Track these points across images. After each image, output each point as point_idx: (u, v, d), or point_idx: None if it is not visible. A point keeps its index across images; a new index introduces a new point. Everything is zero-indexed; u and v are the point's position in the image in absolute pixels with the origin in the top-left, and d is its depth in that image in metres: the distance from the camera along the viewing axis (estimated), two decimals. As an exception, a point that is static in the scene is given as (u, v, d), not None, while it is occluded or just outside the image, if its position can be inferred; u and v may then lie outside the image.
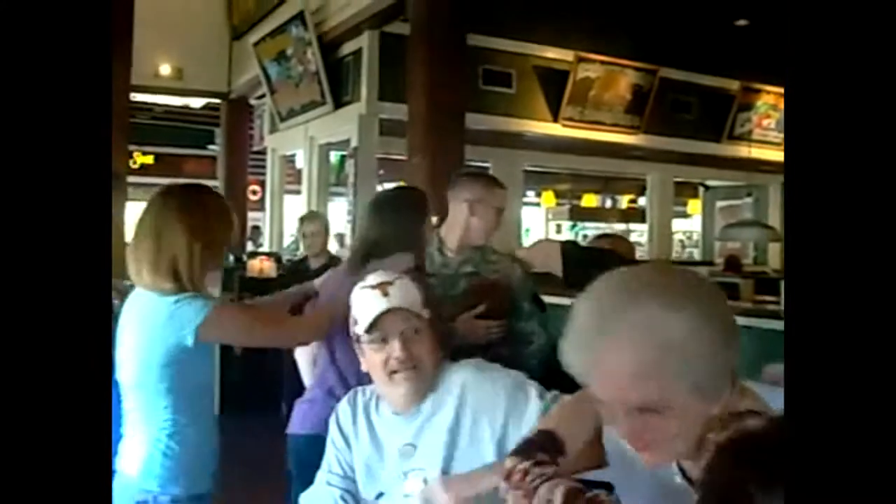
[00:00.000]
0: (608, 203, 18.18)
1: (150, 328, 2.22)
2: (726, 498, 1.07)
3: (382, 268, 2.16)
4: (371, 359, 1.96)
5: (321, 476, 2.08)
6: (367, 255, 2.71)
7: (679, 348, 1.13)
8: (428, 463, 1.94)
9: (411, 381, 1.94)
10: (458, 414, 1.95)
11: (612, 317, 1.16)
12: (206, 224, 2.30)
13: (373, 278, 2.01)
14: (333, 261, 5.50)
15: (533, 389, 1.94)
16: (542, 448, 1.45)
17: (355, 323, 1.98)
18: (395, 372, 1.93)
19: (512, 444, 1.77)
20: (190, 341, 2.18)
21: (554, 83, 8.25)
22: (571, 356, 1.21)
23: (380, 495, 1.98)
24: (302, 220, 6.04)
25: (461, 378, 1.99)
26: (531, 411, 1.88)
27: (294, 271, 5.74)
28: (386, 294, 1.95)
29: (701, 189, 12.73)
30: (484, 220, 3.05)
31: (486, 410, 1.93)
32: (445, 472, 1.91)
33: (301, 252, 5.49)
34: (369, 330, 1.92)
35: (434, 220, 2.95)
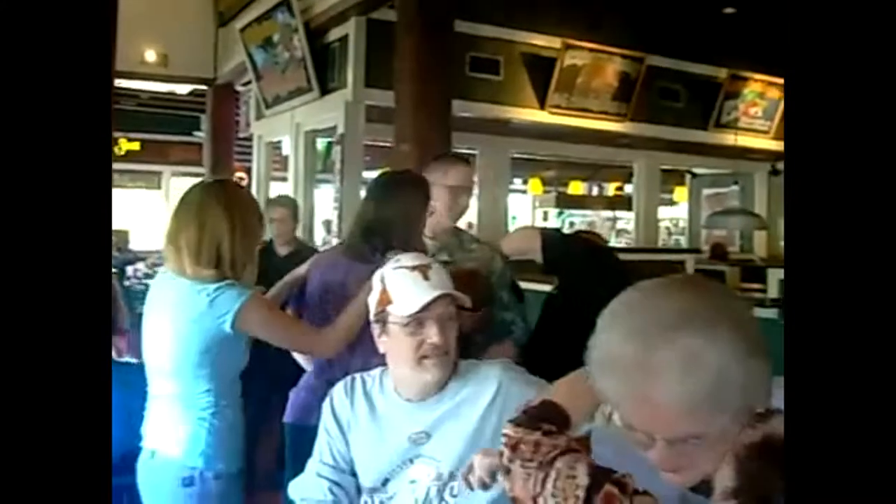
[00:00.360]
0: (595, 190, 18.19)
1: (189, 316, 2.31)
2: (763, 498, 1.05)
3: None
4: (400, 341, 1.91)
5: (312, 465, 2.05)
6: (370, 238, 2.68)
7: (727, 380, 1.08)
8: (444, 454, 1.91)
9: (440, 367, 1.91)
10: (487, 412, 1.91)
11: (656, 348, 1.09)
12: (245, 215, 2.42)
13: (408, 259, 1.97)
14: (302, 248, 5.32)
15: None
16: (546, 419, 1.38)
17: (388, 303, 1.93)
18: (425, 357, 1.89)
19: None
20: (228, 327, 2.29)
21: (541, 70, 8.23)
22: (606, 384, 1.15)
23: (385, 482, 1.96)
24: (268, 203, 5.83)
25: (496, 377, 1.95)
26: None
27: (260, 257, 5.45)
28: (427, 278, 1.91)
29: (688, 176, 12.74)
30: (440, 202, 3.00)
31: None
32: (459, 466, 1.86)
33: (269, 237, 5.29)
34: (415, 313, 1.88)
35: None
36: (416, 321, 1.89)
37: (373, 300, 1.98)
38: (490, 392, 1.92)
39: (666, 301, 1.15)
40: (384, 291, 1.95)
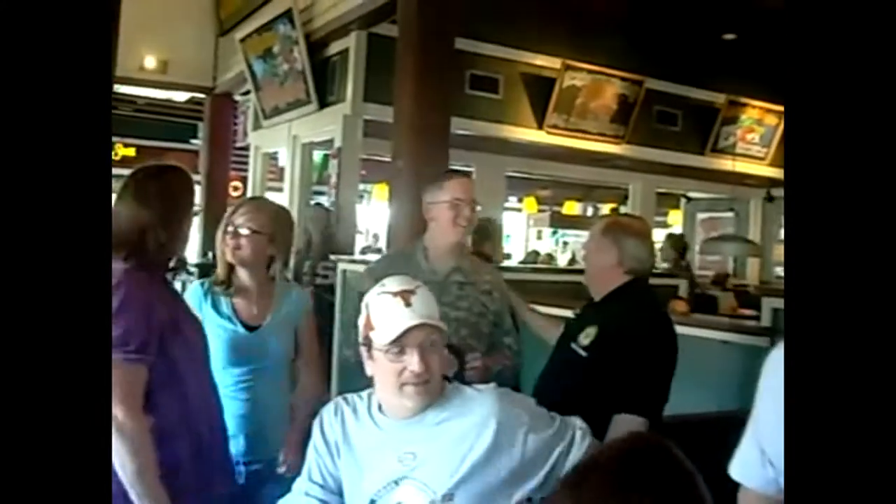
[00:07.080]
0: (590, 211, 18.21)
1: None
2: None
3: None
4: (383, 367, 1.89)
5: (299, 485, 2.03)
6: None
7: None
8: (432, 477, 1.87)
9: (421, 395, 1.88)
10: (478, 438, 1.87)
11: None
12: None
13: (392, 284, 1.94)
14: None
15: (577, 431, 1.96)
16: None
17: (371, 328, 1.91)
18: (406, 384, 1.86)
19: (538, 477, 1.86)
20: None
21: (540, 90, 8.26)
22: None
23: (371, 502, 1.93)
24: None
25: (487, 403, 1.92)
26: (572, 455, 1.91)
27: None
28: (409, 304, 1.87)
29: (683, 200, 12.77)
30: (442, 218, 2.92)
31: (517, 441, 1.88)
32: (450, 490, 1.84)
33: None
34: (393, 341, 1.85)
35: None
36: (397, 348, 1.86)
37: (360, 324, 1.96)
38: (477, 417, 1.89)
39: None
40: (368, 318, 1.93)
